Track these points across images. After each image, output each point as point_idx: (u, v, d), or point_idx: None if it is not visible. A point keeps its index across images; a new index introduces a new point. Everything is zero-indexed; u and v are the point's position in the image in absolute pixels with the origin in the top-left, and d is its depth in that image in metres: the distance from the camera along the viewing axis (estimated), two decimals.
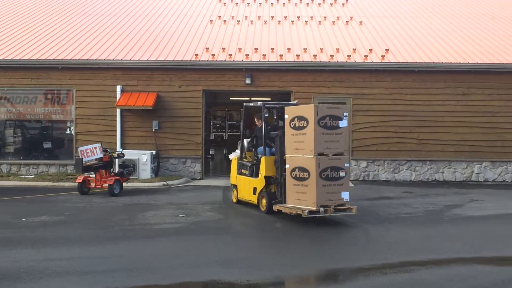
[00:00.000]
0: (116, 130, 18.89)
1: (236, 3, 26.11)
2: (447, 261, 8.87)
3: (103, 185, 15.50)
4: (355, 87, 18.96)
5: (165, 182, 17.63)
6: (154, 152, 18.58)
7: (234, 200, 14.24)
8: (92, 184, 15.66)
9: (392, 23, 23.30)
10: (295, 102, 15.33)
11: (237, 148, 14.86)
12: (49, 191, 16.15)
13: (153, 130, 18.88)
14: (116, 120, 18.91)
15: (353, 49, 19.85)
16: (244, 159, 14.00)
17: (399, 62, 18.89)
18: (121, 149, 18.04)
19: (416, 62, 18.89)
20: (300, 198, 11.41)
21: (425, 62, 18.89)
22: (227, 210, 13.30)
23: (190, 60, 18.94)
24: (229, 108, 30.91)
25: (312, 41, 20.79)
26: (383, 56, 19.23)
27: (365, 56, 19.24)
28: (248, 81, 18.94)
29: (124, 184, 16.13)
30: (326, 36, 21.53)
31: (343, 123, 11.43)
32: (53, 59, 18.91)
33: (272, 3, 26.15)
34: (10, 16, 23.94)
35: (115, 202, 14.18)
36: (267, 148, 12.88)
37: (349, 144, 18.71)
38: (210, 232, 10.74)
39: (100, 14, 24.08)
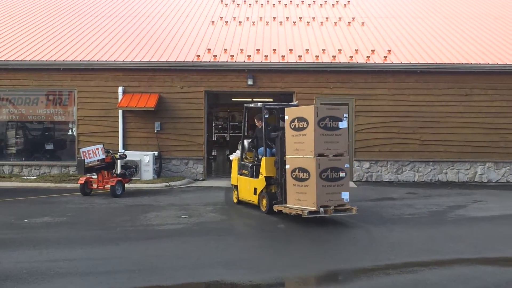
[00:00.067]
0: (118, 131, 18.87)
1: (238, 4, 26.10)
2: (451, 261, 8.84)
3: (105, 186, 15.50)
4: (357, 88, 18.92)
5: (167, 183, 17.62)
6: (156, 153, 18.57)
7: (235, 201, 14.27)
8: (94, 185, 15.65)
9: (394, 24, 23.27)
10: (295, 103, 15.32)
11: (238, 149, 14.88)
12: (51, 192, 16.14)
13: (155, 131, 18.86)
14: (118, 121, 18.90)
15: (355, 50, 19.82)
16: (245, 160, 14.03)
17: (401, 63, 18.86)
18: (123, 150, 18.04)
19: (418, 63, 18.85)
20: (300, 199, 11.45)
21: (427, 63, 18.85)
22: (229, 211, 13.29)
23: (192, 61, 18.93)
24: (231, 109, 30.91)
25: (314, 42, 20.77)
26: (385, 57, 19.20)
27: (367, 57, 19.22)
28: (250, 82, 18.91)
29: (126, 185, 16.11)
30: (328, 37, 21.51)
31: (343, 124, 11.53)
32: (55, 60, 18.91)
33: (273, 4, 26.14)
34: (12, 17, 23.95)
35: (117, 203, 14.17)
36: (267, 148, 12.93)
37: (352, 145, 18.74)
38: (212, 233, 10.73)
39: (101, 15, 24.08)
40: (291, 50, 19.82)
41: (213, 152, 26.38)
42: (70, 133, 19.72)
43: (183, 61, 18.91)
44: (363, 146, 18.90)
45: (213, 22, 23.27)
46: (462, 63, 18.80)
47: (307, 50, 19.82)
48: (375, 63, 18.90)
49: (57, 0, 26.58)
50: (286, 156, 11.92)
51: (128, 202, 14.38)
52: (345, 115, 11.57)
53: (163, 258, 8.79)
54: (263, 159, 12.82)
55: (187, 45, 20.37)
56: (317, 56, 19.19)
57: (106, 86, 19.00)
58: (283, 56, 19.23)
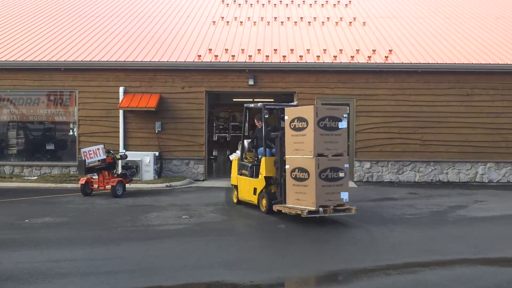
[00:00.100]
0: (119, 132, 18.88)
1: (239, 4, 26.10)
2: (451, 262, 8.83)
3: (106, 186, 15.50)
4: (358, 88, 18.92)
5: (168, 183, 17.62)
6: (157, 153, 18.57)
7: (235, 201, 14.30)
8: (95, 186, 15.65)
9: (396, 24, 23.26)
10: (295, 103, 15.33)
11: (238, 149, 14.90)
12: (52, 192, 16.14)
13: (156, 131, 18.86)
14: (119, 122, 18.90)
15: (357, 50, 19.81)
16: (245, 160, 14.06)
17: (402, 63, 18.86)
18: (124, 151, 18.04)
19: (419, 63, 18.84)
20: (300, 198, 11.49)
21: (428, 63, 18.84)
22: (230, 211, 13.29)
23: (193, 61, 18.93)
24: (232, 109, 30.90)
25: (315, 42, 20.76)
26: (386, 57, 19.19)
27: (368, 57, 19.21)
28: (251, 82, 18.91)
29: (127, 185, 16.11)
30: (329, 37, 21.50)
31: (343, 124, 11.54)
32: (56, 61, 18.91)
33: (275, 4, 26.13)
34: (13, 17, 23.96)
35: (118, 204, 14.17)
36: (267, 149, 12.95)
37: (353, 145, 18.74)
38: (213, 233, 10.72)
39: (102, 15, 24.08)
40: (292, 50, 19.81)
41: (214, 152, 26.38)
42: (71, 133, 19.72)
43: (184, 61, 18.92)
44: (364, 146, 18.89)
45: (214, 22, 23.27)
46: (463, 63, 18.79)
47: (308, 50, 19.81)
48: (376, 63, 18.90)
49: (58, 0, 26.59)
50: (286, 156, 11.95)
51: (128, 202, 14.38)
52: (344, 115, 11.58)
53: (164, 258, 8.79)
54: (263, 159, 12.84)
55: (188, 45, 20.37)
56: (318, 56, 19.18)
57: (107, 86, 19.01)
58: (284, 56, 19.23)
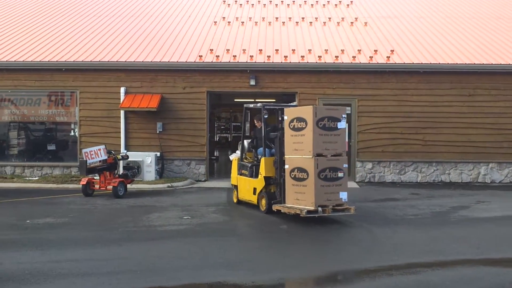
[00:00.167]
0: (120, 132, 18.86)
1: (240, 4, 26.08)
2: (454, 262, 8.81)
3: (108, 187, 15.49)
4: (360, 88, 18.89)
5: (169, 184, 17.60)
6: (158, 153, 18.55)
7: (235, 200, 14.36)
8: (97, 186, 15.64)
9: (397, 24, 23.23)
10: (294, 103, 15.34)
11: (237, 149, 14.93)
12: (53, 193, 16.12)
13: (157, 132, 18.84)
14: (120, 122, 18.88)
15: (358, 50, 19.79)
16: (245, 160, 14.12)
17: (404, 63, 18.83)
18: (125, 151, 18.02)
19: (421, 63, 18.81)
20: (299, 198, 11.54)
21: (430, 63, 18.82)
22: (231, 212, 13.27)
23: (194, 62, 18.92)
24: (233, 109, 30.87)
25: (317, 42, 20.74)
26: (388, 57, 19.17)
27: (370, 57, 19.18)
28: (252, 82, 18.89)
29: (129, 186, 16.09)
30: (331, 37, 21.48)
31: (342, 125, 11.60)
32: (57, 61, 18.90)
33: (276, 4, 26.11)
34: (13, 17, 23.96)
35: (119, 204, 14.15)
36: (267, 149, 13.02)
37: (355, 145, 18.73)
38: (215, 234, 10.71)
39: (103, 16, 24.08)
40: (293, 50, 19.79)
41: (215, 153, 26.36)
42: (72, 133, 19.70)
43: (186, 62, 18.91)
44: (366, 147, 18.86)
45: (215, 22, 23.26)
46: (465, 63, 18.76)
47: (309, 50, 19.79)
48: (378, 63, 18.87)
49: (59, 0, 26.59)
50: (285, 156, 12.01)
51: (130, 203, 14.37)
52: (343, 115, 11.63)
53: (166, 259, 8.77)
54: (263, 159, 12.91)
55: (189, 45, 20.35)
56: (319, 57, 19.16)
57: (108, 86, 18.99)
58: (285, 57, 19.21)
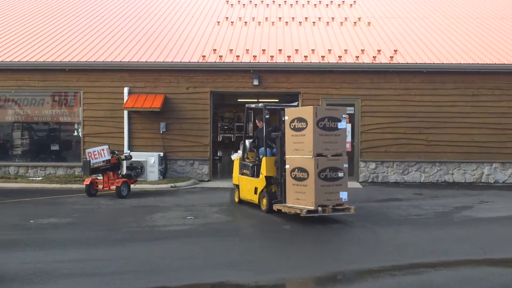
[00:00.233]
0: (123, 132, 18.88)
1: (244, 4, 26.09)
2: (457, 263, 8.80)
3: (111, 187, 15.51)
4: (363, 88, 18.88)
5: (172, 184, 17.61)
6: (161, 154, 18.56)
7: (236, 200, 14.46)
8: (100, 186, 15.66)
9: (401, 24, 23.21)
10: (295, 103, 15.38)
11: (239, 149, 14.99)
12: (56, 193, 16.15)
13: (161, 132, 18.86)
14: (123, 122, 18.91)
15: (361, 50, 19.78)
16: (246, 160, 14.21)
17: (407, 63, 18.81)
18: (129, 151, 18.05)
19: (424, 63, 18.80)
20: (299, 198, 11.63)
21: (434, 63, 18.79)
22: (234, 212, 13.29)
23: (198, 62, 18.93)
24: (236, 109, 30.88)
25: (320, 42, 20.73)
26: (391, 57, 19.15)
27: (373, 57, 19.17)
28: (255, 82, 18.89)
29: (132, 186, 16.11)
30: (334, 37, 21.47)
31: (342, 125, 11.68)
32: (60, 61, 18.93)
33: (279, 4, 26.11)
34: (17, 18, 24.00)
35: (122, 204, 14.17)
36: (268, 148, 13.13)
37: (358, 146, 18.72)
38: (218, 234, 10.72)
39: (107, 16, 24.10)
40: (297, 50, 19.79)
41: (218, 153, 26.39)
42: (75, 134, 19.73)
43: (189, 62, 18.91)
44: (369, 147, 18.84)
45: (218, 22, 23.27)
46: (469, 63, 18.74)
47: (313, 50, 19.78)
48: (381, 63, 18.86)
49: (63, 1, 26.64)
50: (286, 156, 12.11)
51: (133, 203, 14.38)
52: (344, 115, 11.72)
53: (169, 259, 8.78)
54: (264, 159, 13.02)
55: (192, 45, 20.36)
56: (323, 57, 19.16)
57: (111, 86, 19.01)
58: (289, 57, 19.21)
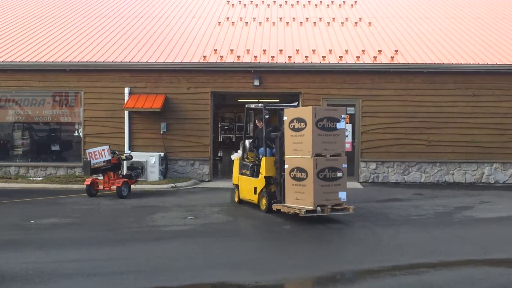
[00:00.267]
0: (124, 132, 18.89)
1: (244, 5, 26.10)
2: (457, 263, 8.80)
3: (111, 187, 15.52)
4: (364, 89, 18.88)
5: (173, 184, 17.62)
6: (162, 154, 18.56)
7: (236, 200, 14.51)
8: (101, 186, 15.67)
9: (401, 24, 23.21)
10: (295, 104, 15.44)
11: (239, 149, 15.04)
12: (57, 193, 16.16)
13: (161, 132, 18.86)
14: (124, 122, 18.91)
15: (362, 50, 19.78)
16: (246, 160, 14.26)
17: (408, 63, 18.81)
18: (129, 151, 18.05)
19: (425, 63, 18.80)
20: (299, 198, 11.68)
21: (434, 63, 18.80)
22: (235, 212, 13.29)
23: (198, 62, 18.94)
24: (237, 110, 30.88)
25: (321, 43, 20.74)
26: (392, 57, 19.15)
27: (374, 57, 19.18)
28: (256, 82, 18.90)
29: (132, 186, 16.12)
30: (335, 37, 21.47)
31: (341, 125, 11.73)
32: (61, 62, 18.94)
33: (280, 5, 26.12)
34: (17, 18, 24.02)
35: (123, 204, 14.18)
36: (267, 148, 13.19)
37: (358, 146, 18.73)
38: (218, 234, 10.73)
39: (107, 16, 24.12)
40: (297, 50, 19.79)
41: (219, 153, 26.39)
42: (76, 134, 19.74)
43: (190, 62, 18.92)
44: (370, 147, 18.85)
45: (219, 22, 23.27)
46: (469, 64, 18.74)
47: (313, 50, 19.79)
48: (382, 63, 18.86)
49: (63, 1, 26.65)
50: (285, 156, 12.16)
51: (134, 203, 14.39)
52: (342, 116, 11.78)
53: (169, 259, 8.79)
54: (263, 159, 13.08)
55: (193, 45, 20.37)
56: (323, 57, 19.16)
57: (112, 87, 19.02)
58: (289, 57, 19.21)
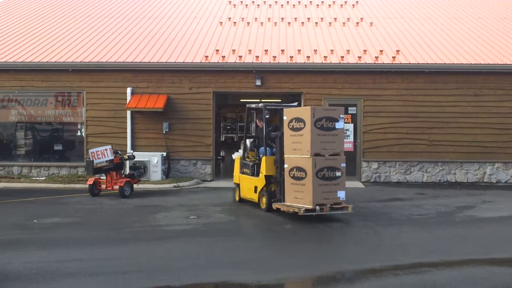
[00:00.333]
0: (126, 132, 18.92)
1: (246, 5, 26.12)
2: (460, 262, 8.82)
3: (114, 187, 15.54)
4: (365, 89, 18.90)
5: (175, 184, 17.65)
6: (164, 153, 18.59)
7: (237, 199, 14.63)
8: (103, 186, 15.70)
9: (403, 24, 23.22)
10: (295, 104, 15.50)
11: (240, 148, 15.10)
12: (60, 193, 16.19)
13: (164, 132, 18.90)
14: (126, 122, 18.94)
15: (364, 50, 19.80)
16: (247, 159, 14.37)
17: (410, 63, 18.82)
18: (132, 151, 18.07)
19: (427, 63, 18.81)
20: (298, 197, 11.78)
21: (436, 63, 18.80)
22: (237, 211, 13.32)
23: (200, 62, 18.96)
24: (239, 109, 30.85)
25: (323, 43, 20.76)
26: (393, 57, 19.16)
27: (375, 57, 19.19)
28: (258, 82, 18.92)
29: (135, 186, 16.15)
30: (336, 37, 21.49)
31: (340, 125, 11.83)
32: (64, 62, 18.97)
33: (282, 5, 26.14)
34: (20, 18, 24.06)
35: (125, 204, 14.20)
36: (268, 148, 13.29)
37: (360, 146, 18.74)
38: (220, 234, 10.75)
39: (110, 16, 24.15)
40: (299, 50, 19.81)
41: (221, 153, 26.40)
42: (78, 134, 19.77)
43: (192, 62, 18.95)
44: (372, 147, 18.86)
45: (221, 23, 23.30)
46: (471, 63, 18.74)
47: (315, 50, 19.81)
48: (383, 63, 18.88)
49: (66, 1, 26.70)
50: (284, 155, 12.27)
51: (136, 202, 14.42)
52: (341, 116, 11.89)
53: (172, 259, 8.82)
54: (263, 158, 13.18)
55: (195, 46, 20.40)
56: (325, 57, 19.18)
57: (114, 87, 19.05)
58: (291, 57, 19.23)
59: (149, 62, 18.94)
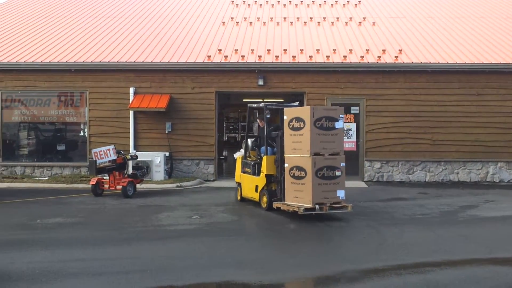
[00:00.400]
0: (129, 132, 18.95)
1: (249, 5, 26.13)
2: (463, 262, 8.81)
3: (117, 186, 15.56)
4: (368, 88, 18.89)
5: (178, 184, 17.66)
6: (167, 153, 18.61)
7: (238, 198, 14.73)
8: (106, 186, 15.71)
9: (405, 24, 23.21)
10: (295, 103, 15.55)
11: (241, 148, 15.14)
12: (63, 193, 16.21)
13: (166, 132, 18.91)
14: (129, 122, 18.97)
15: (366, 50, 19.79)
16: (248, 158, 14.47)
17: (412, 62, 18.80)
18: (135, 151, 18.08)
19: (429, 63, 18.79)
20: (298, 196, 11.88)
21: (438, 63, 18.79)
22: (240, 211, 13.33)
23: (203, 62, 18.97)
24: (242, 109, 30.81)
25: (325, 42, 20.75)
26: (396, 57, 19.15)
27: (378, 56, 19.17)
28: (260, 82, 18.92)
29: (138, 185, 16.16)
30: (339, 37, 21.48)
31: (339, 124, 11.91)
32: (66, 62, 19.00)
33: (284, 4, 26.15)
34: (23, 19, 24.09)
35: (128, 204, 14.22)
36: (268, 147, 13.42)
37: (363, 145, 18.73)
38: (223, 233, 10.76)
39: (112, 17, 24.18)
40: (302, 50, 19.82)
41: (224, 153, 26.41)
42: (81, 134, 19.78)
43: (194, 62, 18.96)
44: (374, 146, 18.85)
45: (224, 22, 23.31)
46: (474, 63, 18.73)
47: (318, 50, 19.80)
48: (386, 63, 18.86)
49: (68, 1, 26.73)
50: (285, 155, 12.36)
51: (139, 202, 14.43)
52: (341, 115, 11.98)
53: (175, 259, 8.83)
54: (264, 158, 13.29)
55: (198, 45, 20.41)
56: (328, 56, 19.18)
57: (117, 87, 19.07)
58: (294, 57, 19.23)
59: (151, 62, 18.96)
